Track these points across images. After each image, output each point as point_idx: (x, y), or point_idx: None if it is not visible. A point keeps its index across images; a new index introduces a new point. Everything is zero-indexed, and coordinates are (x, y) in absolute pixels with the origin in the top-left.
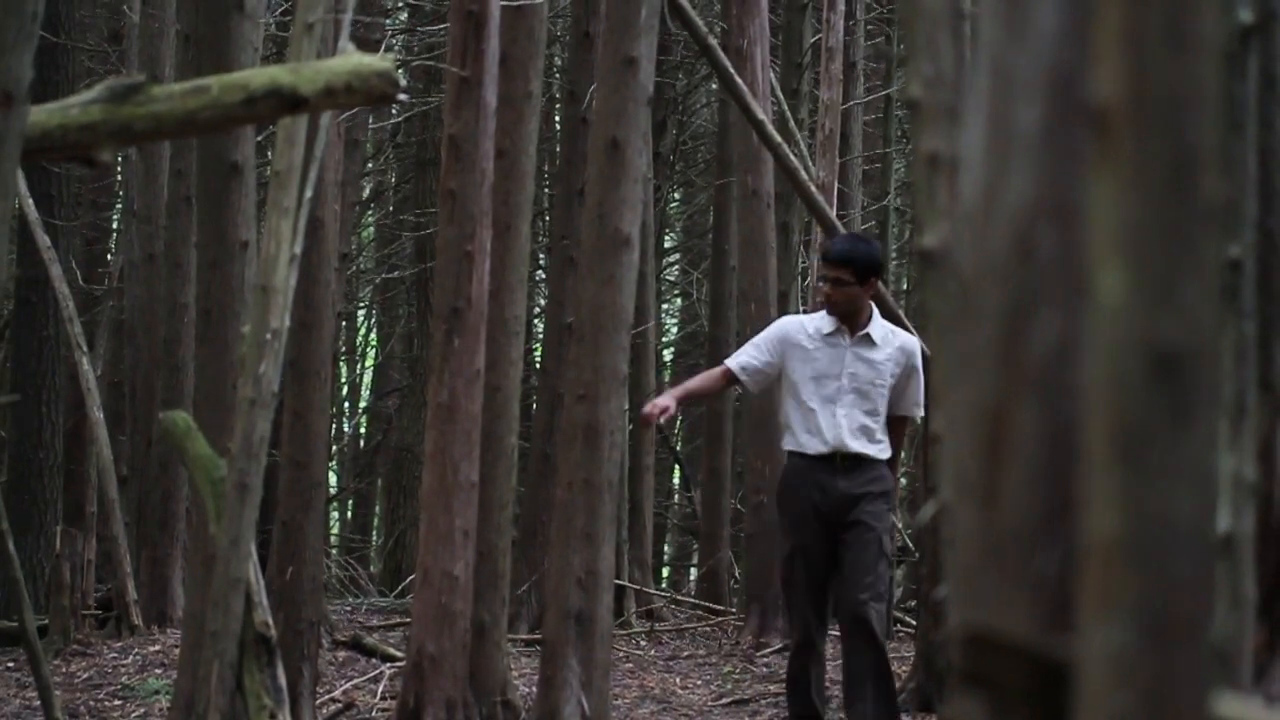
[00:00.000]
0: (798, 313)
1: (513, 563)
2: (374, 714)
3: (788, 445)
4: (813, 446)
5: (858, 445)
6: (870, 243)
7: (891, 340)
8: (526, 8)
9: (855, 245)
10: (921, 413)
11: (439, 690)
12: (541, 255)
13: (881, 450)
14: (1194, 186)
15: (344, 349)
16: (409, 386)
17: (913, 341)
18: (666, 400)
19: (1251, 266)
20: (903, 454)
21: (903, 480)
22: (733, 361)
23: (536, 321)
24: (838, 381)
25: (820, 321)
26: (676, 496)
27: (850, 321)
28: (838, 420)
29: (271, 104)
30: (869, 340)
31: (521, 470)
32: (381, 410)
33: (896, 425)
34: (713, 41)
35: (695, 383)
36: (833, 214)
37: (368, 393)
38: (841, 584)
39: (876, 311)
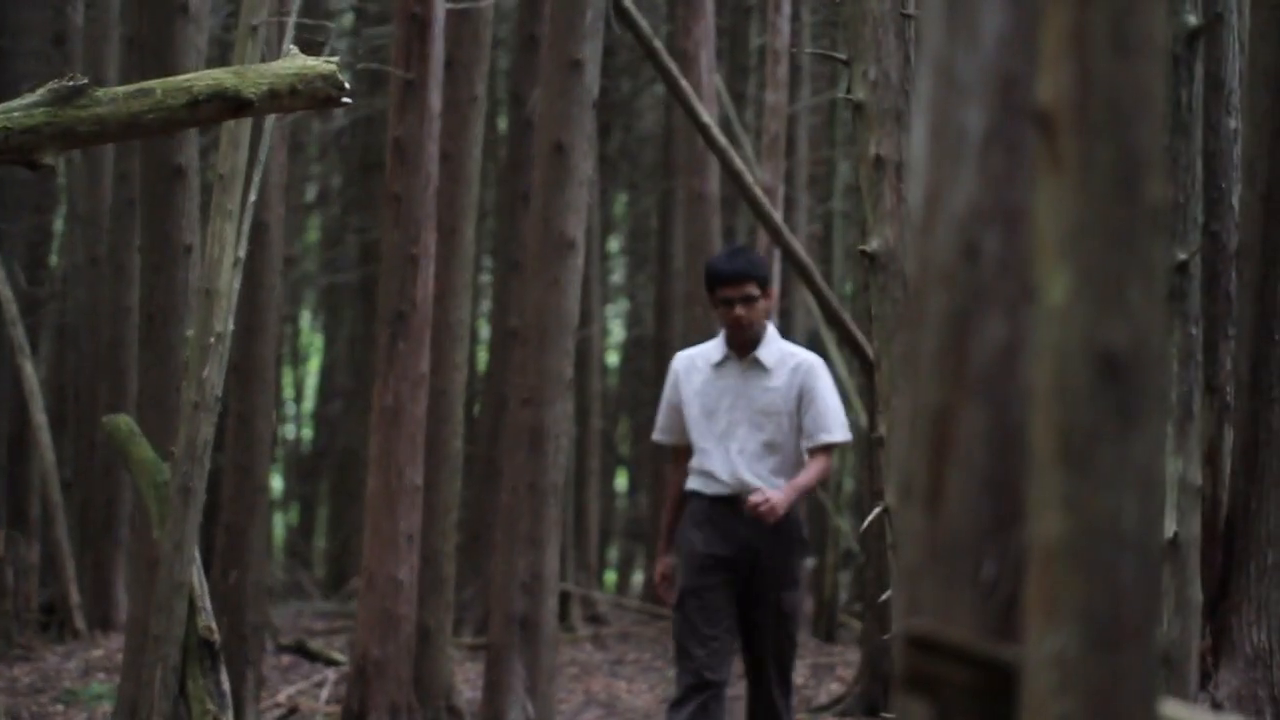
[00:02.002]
0: None
1: (457, 567)
2: (318, 719)
3: (688, 485)
4: (710, 488)
5: (756, 483)
6: (751, 250)
7: (787, 362)
8: (471, 11)
9: (747, 256)
10: (834, 437)
11: (383, 695)
12: (486, 259)
13: None
14: (1139, 190)
15: (289, 353)
16: (354, 390)
17: (810, 361)
18: (667, 562)
19: (1198, 269)
20: (817, 481)
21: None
22: (661, 436)
23: (481, 325)
24: (729, 415)
25: (710, 350)
26: (621, 501)
27: (745, 346)
28: (732, 458)
29: (215, 107)
30: (759, 365)
31: (466, 474)
32: (326, 414)
33: (815, 456)
34: (658, 44)
35: (670, 505)
36: (778, 217)
37: (313, 396)
38: (756, 670)
39: (772, 330)
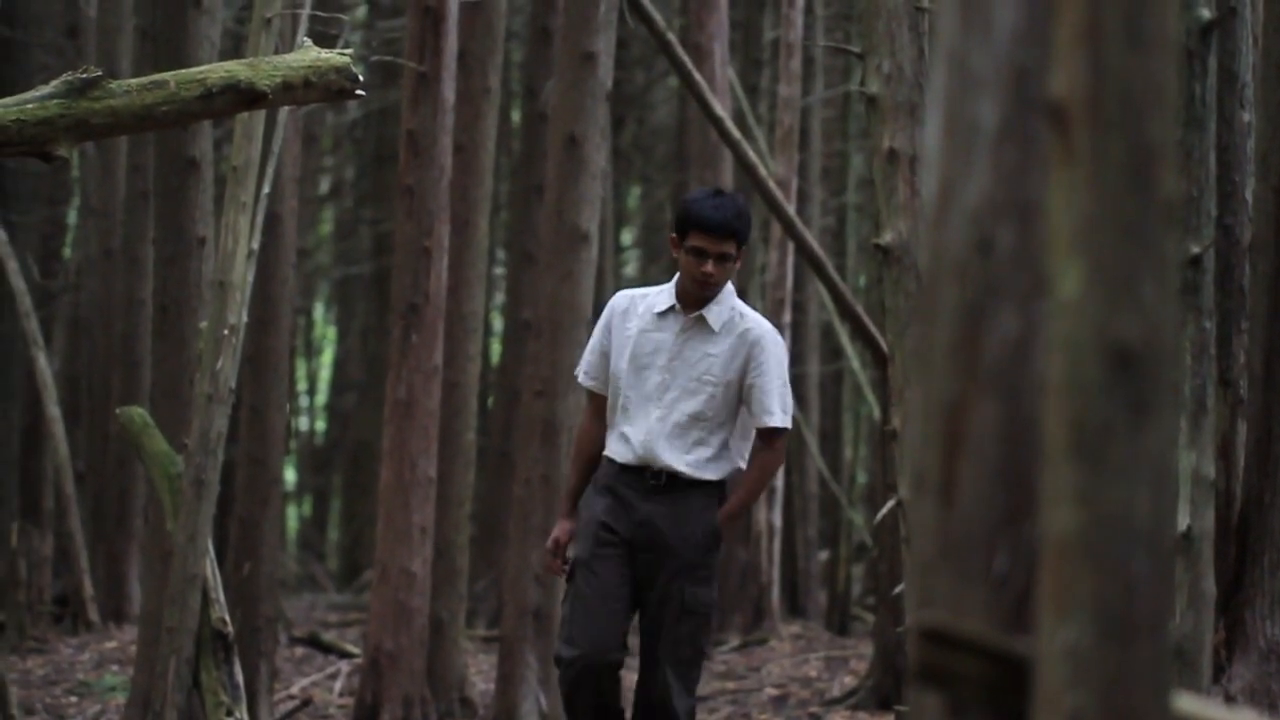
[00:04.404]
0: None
1: (471, 559)
2: (331, 711)
3: (606, 448)
4: (620, 453)
5: (671, 458)
6: (739, 197)
7: (734, 326)
8: (485, 3)
9: (736, 207)
10: (779, 422)
11: (397, 687)
12: (499, 251)
13: (711, 469)
14: (1153, 183)
15: (302, 345)
16: (367, 383)
17: (762, 328)
18: (566, 527)
19: (1211, 263)
20: (768, 479)
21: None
22: (587, 380)
23: (494, 317)
24: (660, 375)
25: (657, 297)
26: None
27: (697, 302)
28: (651, 423)
29: (229, 99)
30: (704, 324)
31: (479, 466)
32: (339, 406)
33: (762, 440)
34: (671, 37)
35: (580, 461)
36: (791, 210)
37: (326, 389)
38: (647, 662)
39: (729, 288)
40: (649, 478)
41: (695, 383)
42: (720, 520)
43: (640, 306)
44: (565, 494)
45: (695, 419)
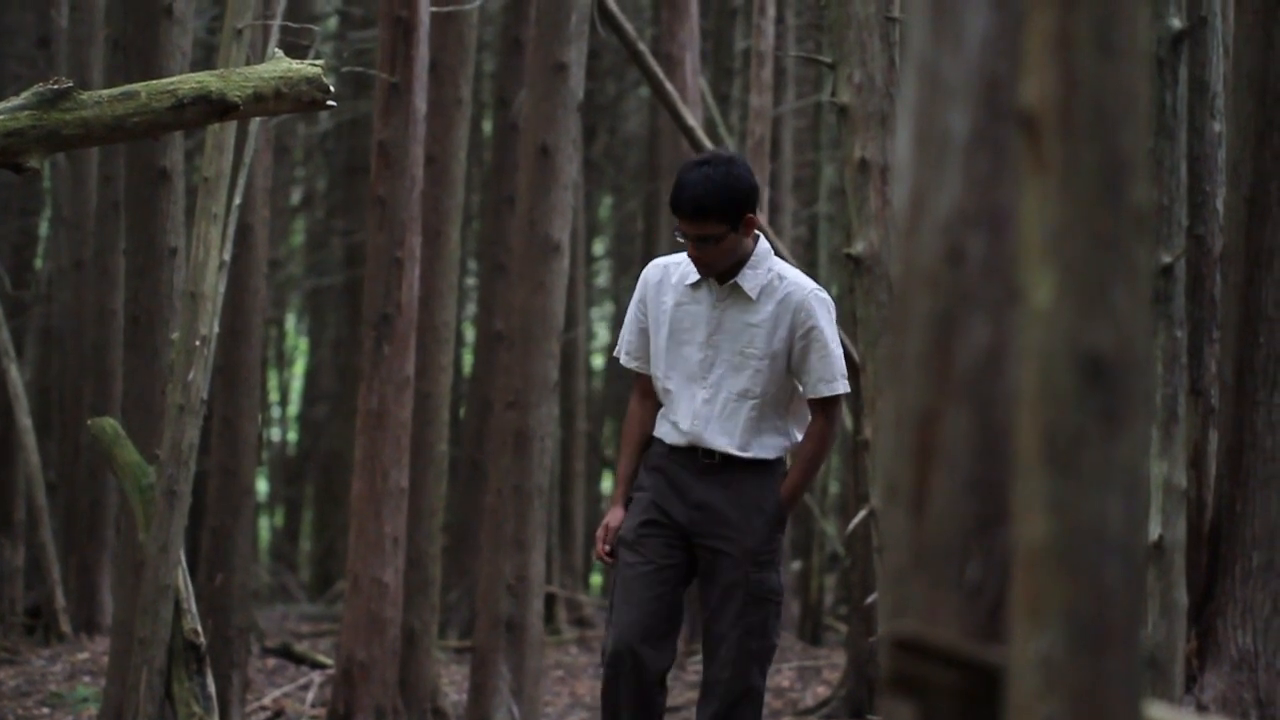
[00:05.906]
0: None
1: (443, 569)
2: None
3: (655, 430)
4: (670, 436)
5: (723, 441)
6: (731, 165)
7: (773, 291)
8: (456, 14)
9: (713, 183)
10: (840, 388)
11: (369, 698)
12: (471, 262)
13: (767, 448)
14: (1124, 192)
15: (274, 356)
16: (339, 393)
17: (803, 288)
18: (618, 513)
19: (1182, 272)
20: (827, 451)
21: (833, 486)
22: (629, 360)
23: (466, 328)
24: (701, 352)
25: (688, 266)
26: (606, 503)
27: (728, 269)
28: (698, 405)
29: (200, 110)
30: (739, 292)
31: (451, 477)
32: (311, 417)
33: (815, 416)
34: (643, 47)
35: (632, 445)
36: (763, 220)
37: (298, 400)
38: (714, 657)
39: (761, 249)
40: (701, 457)
41: (739, 357)
42: (783, 501)
43: (674, 276)
44: (618, 479)
45: (744, 396)
